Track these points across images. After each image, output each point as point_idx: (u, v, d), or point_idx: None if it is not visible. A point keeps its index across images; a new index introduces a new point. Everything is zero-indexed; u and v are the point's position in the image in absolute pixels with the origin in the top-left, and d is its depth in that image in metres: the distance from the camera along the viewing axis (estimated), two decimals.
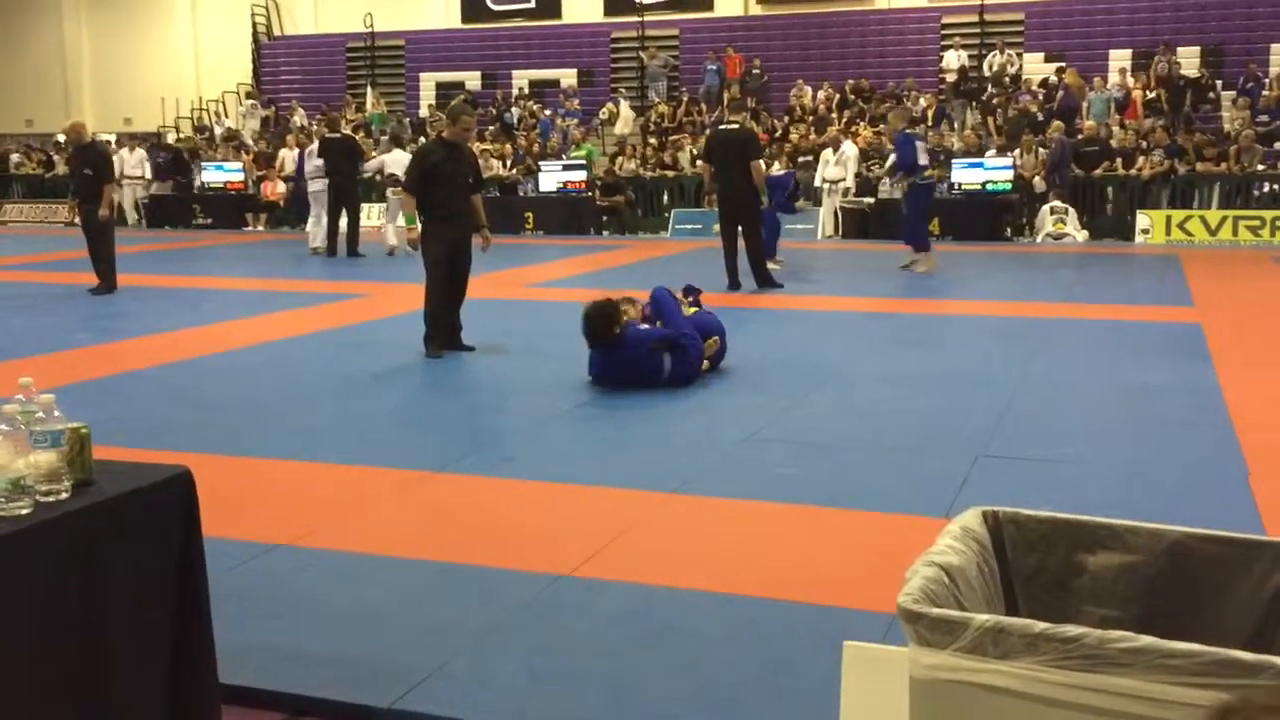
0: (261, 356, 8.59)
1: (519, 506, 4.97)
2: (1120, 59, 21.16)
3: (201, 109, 27.71)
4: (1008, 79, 21.60)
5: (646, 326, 7.40)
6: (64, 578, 2.48)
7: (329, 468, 5.55)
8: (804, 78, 22.81)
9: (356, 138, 18.97)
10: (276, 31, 28.54)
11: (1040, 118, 19.50)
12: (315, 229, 16.80)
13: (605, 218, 19.88)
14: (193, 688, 2.80)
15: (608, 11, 25.61)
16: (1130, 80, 20.32)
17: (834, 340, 9.22)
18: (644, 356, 7.13)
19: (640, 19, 24.68)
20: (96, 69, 29.67)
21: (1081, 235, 17.26)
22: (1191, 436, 5.97)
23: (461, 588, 4.04)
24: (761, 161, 12.22)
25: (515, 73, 25.64)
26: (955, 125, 20.60)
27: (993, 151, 18.39)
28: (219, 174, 22.26)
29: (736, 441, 5.91)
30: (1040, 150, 18.20)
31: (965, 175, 17.49)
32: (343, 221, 16.40)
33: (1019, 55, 22.28)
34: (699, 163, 15.47)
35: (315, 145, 17.36)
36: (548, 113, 23.57)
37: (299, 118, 24.83)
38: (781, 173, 15.96)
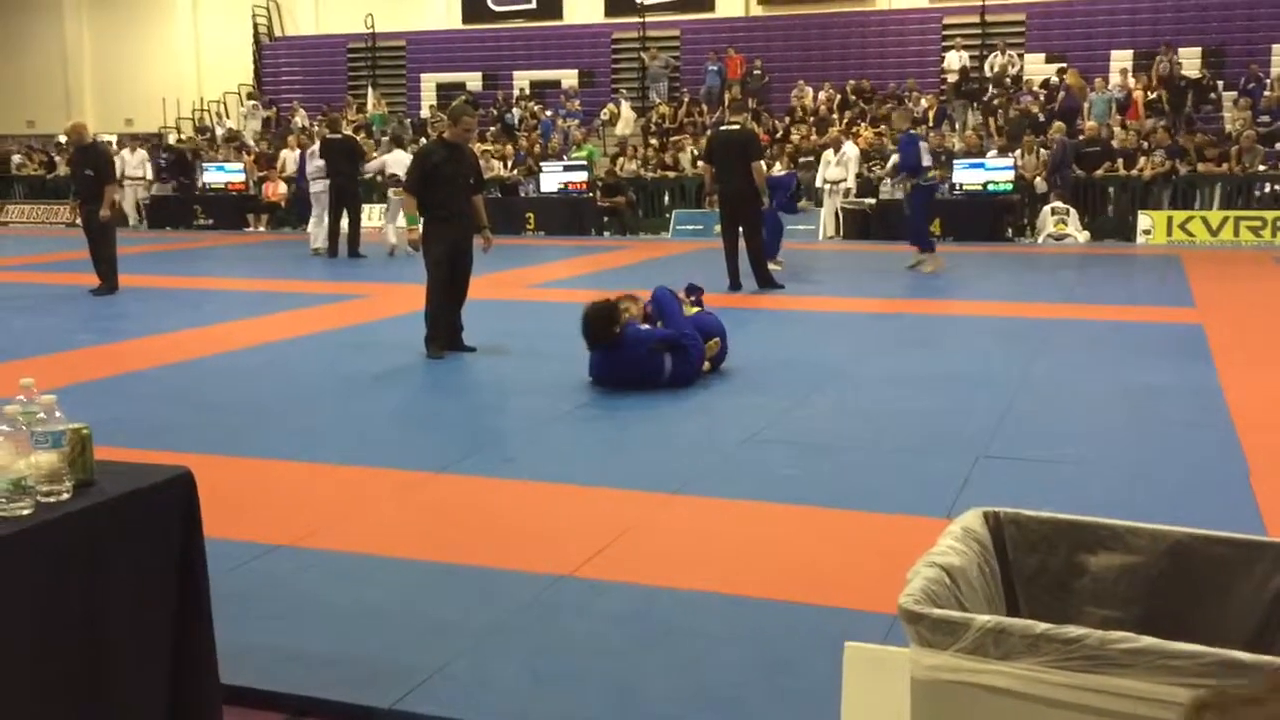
0: (262, 357, 8.59)
1: (520, 507, 4.97)
2: (1121, 59, 21.15)
3: (203, 110, 27.73)
4: (1009, 79, 21.60)
5: (647, 326, 7.39)
6: (65, 578, 2.48)
7: (330, 468, 5.55)
8: (805, 78, 22.81)
9: (357, 138, 18.97)
10: (277, 32, 28.56)
11: (1041, 118, 19.50)
12: (316, 230, 16.81)
13: (606, 218, 19.88)
14: (194, 688, 2.80)
15: (609, 12, 25.62)
16: (1131, 81, 20.32)
17: (835, 341, 9.22)
18: (644, 357, 7.12)
19: (641, 19, 24.69)
20: (98, 70, 29.68)
21: (1083, 236, 17.26)
22: (1193, 437, 5.96)
23: (463, 588, 4.04)
24: (762, 162, 12.22)
25: (516, 73, 25.64)
26: (956, 126, 20.60)
27: (994, 152, 18.38)
28: (220, 175, 22.27)
29: (737, 442, 5.91)
30: (1041, 151, 18.20)
31: (966, 176, 17.49)
32: (344, 222, 16.41)
33: (1020, 56, 22.28)
34: (700, 163, 15.48)
35: (317, 146, 17.38)
36: (549, 113, 23.58)
37: (300, 118, 24.84)
38: (783, 173, 15.96)
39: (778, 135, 20.66)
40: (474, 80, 25.66)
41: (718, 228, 12.57)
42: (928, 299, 11.65)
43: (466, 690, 3.26)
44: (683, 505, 4.93)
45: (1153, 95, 20.00)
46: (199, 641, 2.80)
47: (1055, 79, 20.86)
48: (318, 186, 16.70)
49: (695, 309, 7.81)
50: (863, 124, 20.86)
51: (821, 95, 22.30)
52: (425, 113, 24.54)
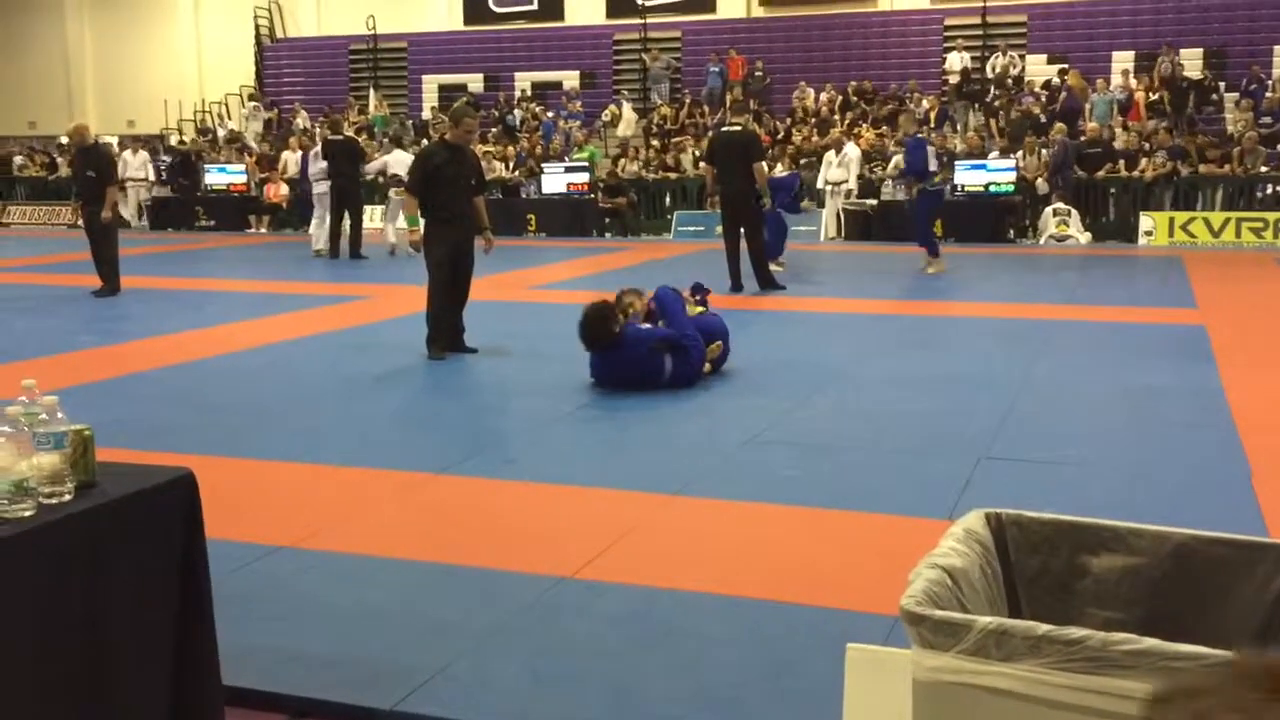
0: (264, 358, 8.60)
1: (521, 508, 4.97)
2: (1123, 60, 21.14)
3: (204, 111, 27.75)
4: (1010, 81, 21.60)
5: (648, 326, 7.37)
6: (67, 579, 2.48)
7: (331, 469, 5.56)
8: (806, 80, 22.80)
9: (358, 140, 18.98)
10: (279, 33, 28.57)
11: (1043, 119, 19.49)
12: (318, 231, 16.82)
13: (608, 220, 19.88)
14: (195, 689, 2.80)
15: (610, 13, 25.62)
16: (1133, 82, 20.31)
17: (836, 342, 9.22)
18: (644, 356, 7.11)
19: (642, 21, 24.69)
20: (99, 71, 29.70)
21: (1084, 237, 17.25)
22: (1195, 438, 5.96)
23: (464, 589, 4.04)
24: (764, 163, 12.23)
25: (518, 75, 25.65)
26: (958, 127, 20.59)
27: (995, 153, 18.38)
28: (222, 176, 22.27)
29: (739, 443, 5.91)
30: (1043, 152, 18.19)
31: (968, 177, 17.48)
32: (346, 223, 16.42)
33: (1021, 57, 22.28)
34: (701, 165, 15.48)
35: (319, 147, 17.40)
36: (550, 115, 23.57)
37: (302, 120, 24.85)
38: (785, 174, 15.96)
39: (779, 136, 20.65)
40: (475, 81, 25.67)
41: (719, 229, 12.58)
42: (929, 300, 11.65)
43: (467, 691, 3.26)
44: (684, 506, 4.93)
45: (1154, 96, 19.99)
46: (201, 642, 2.80)
47: (1057, 80, 20.86)
48: (321, 188, 16.70)
49: (699, 309, 7.80)
50: (864, 125, 20.86)
51: (823, 96, 22.30)
52: (427, 114, 24.53)
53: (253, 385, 7.70)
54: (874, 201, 18.30)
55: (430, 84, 26.18)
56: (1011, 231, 17.49)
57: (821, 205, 18.49)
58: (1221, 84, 20.43)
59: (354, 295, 12.23)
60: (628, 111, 23.40)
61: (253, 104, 26.67)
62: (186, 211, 22.14)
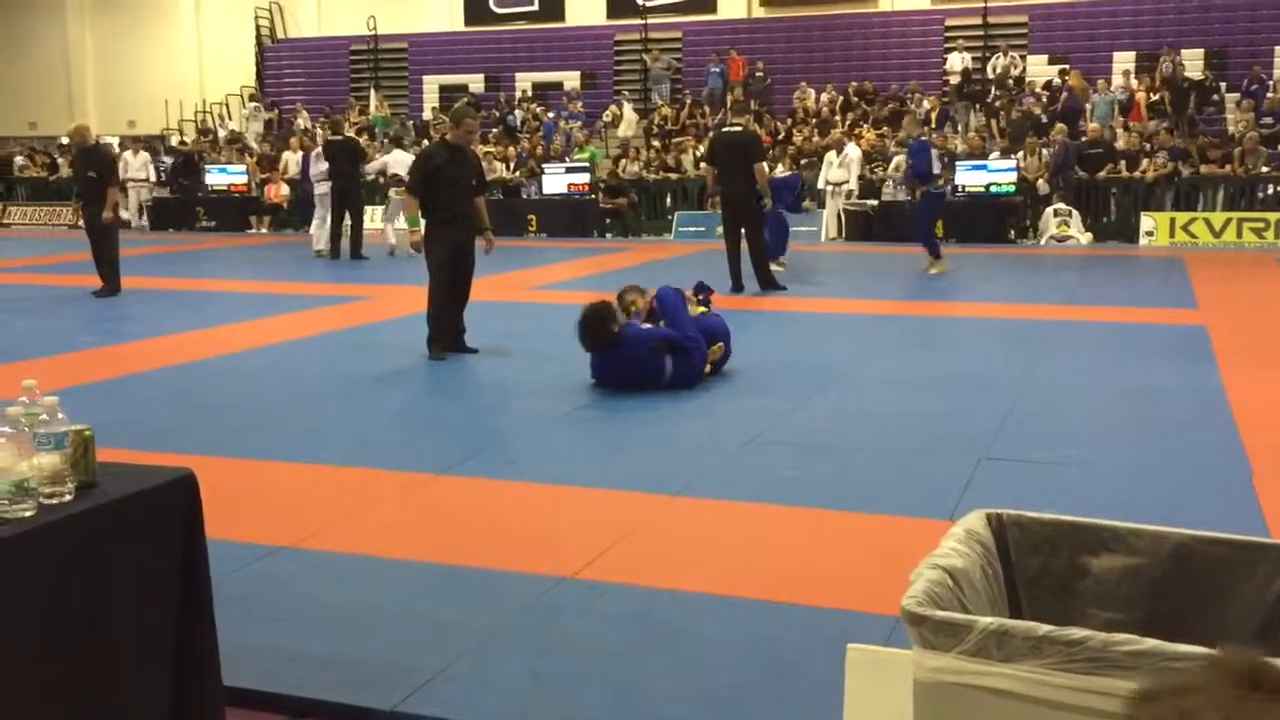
0: (265, 359, 8.60)
1: (521, 509, 4.97)
2: (1124, 61, 21.14)
3: (205, 111, 27.75)
4: (1011, 81, 21.60)
5: (648, 326, 7.35)
6: (67, 579, 2.48)
7: (332, 470, 5.56)
8: (807, 80, 22.80)
9: (359, 140, 18.98)
10: (280, 34, 28.58)
11: (1044, 120, 19.48)
12: (319, 232, 16.83)
13: (608, 220, 19.88)
14: (196, 689, 2.80)
15: (611, 14, 25.62)
16: (1134, 82, 20.30)
17: (837, 342, 9.22)
18: (645, 357, 7.10)
19: (643, 21, 24.70)
20: (100, 72, 29.71)
21: (1085, 237, 17.25)
22: (1195, 438, 5.96)
23: (464, 590, 4.04)
24: (765, 164, 12.23)
25: (518, 75, 25.65)
26: (959, 127, 20.59)
27: (996, 154, 18.37)
28: (223, 177, 22.28)
29: (739, 444, 5.90)
30: (1044, 152, 18.18)
31: (969, 177, 17.48)
32: (346, 223, 16.42)
33: (1022, 57, 22.27)
34: (702, 165, 15.47)
35: (321, 148, 17.40)
36: (551, 115, 23.57)
37: (303, 120, 24.87)
38: (788, 174, 15.95)
39: (780, 137, 20.65)
40: (476, 82, 25.67)
41: (720, 229, 12.58)
42: (930, 300, 11.65)
43: (468, 692, 3.26)
44: (684, 507, 4.93)
45: (1155, 97, 19.99)
46: (201, 643, 2.80)
47: (1058, 80, 20.86)
48: (323, 188, 16.71)
49: (702, 309, 7.78)
50: (865, 126, 20.85)
51: (824, 97, 22.30)
52: (428, 114, 24.54)
53: (253, 386, 7.70)
54: (875, 202, 18.29)
55: (431, 84, 26.18)
56: (1012, 232, 17.49)
57: (822, 206, 18.49)
58: (1222, 84, 20.42)
59: (354, 296, 12.23)
60: (628, 112, 23.40)
61: (253, 104, 26.68)
62: (187, 212, 22.15)
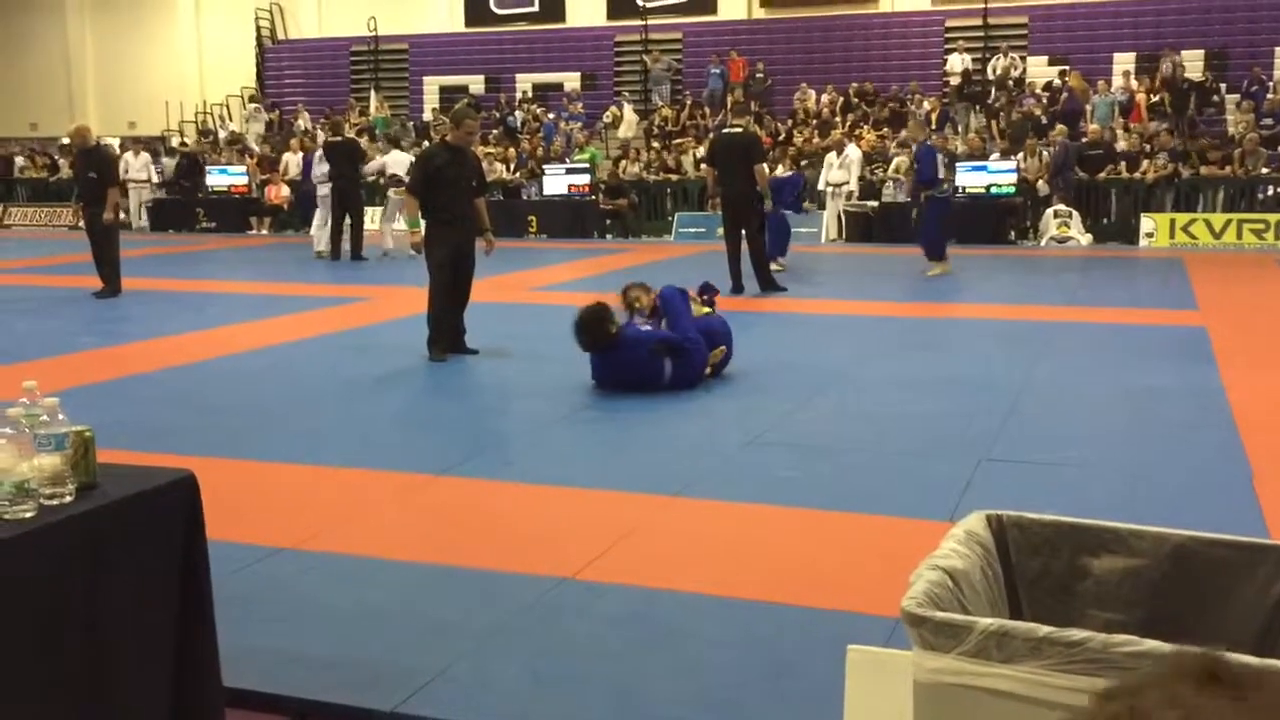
0: (265, 360, 8.60)
1: (522, 510, 4.97)
2: (1124, 62, 21.14)
3: (205, 112, 27.76)
4: (1011, 82, 21.60)
5: (648, 327, 7.33)
6: (68, 580, 2.48)
7: (332, 471, 5.56)
8: (807, 81, 22.81)
9: (359, 141, 18.99)
10: (280, 35, 28.58)
11: (1044, 121, 19.49)
12: (320, 232, 16.83)
13: (609, 221, 19.88)
14: (196, 690, 2.80)
15: (611, 15, 25.62)
16: (1134, 83, 20.30)
17: (837, 343, 9.22)
18: (644, 359, 7.10)
19: (643, 22, 24.70)
20: (100, 72, 29.71)
21: (1085, 238, 17.25)
22: (1196, 439, 5.96)
23: (464, 591, 4.04)
24: (765, 165, 12.24)
25: (519, 76, 25.66)
26: (959, 128, 20.59)
27: (996, 155, 18.38)
28: (223, 178, 22.28)
29: (739, 445, 5.91)
30: (1044, 153, 18.19)
31: (969, 178, 17.47)
32: (346, 224, 16.43)
33: (1023, 58, 22.27)
34: (702, 166, 15.48)
35: (322, 149, 17.42)
36: (551, 116, 23.58)
37: (303, 121, 24.88)
38: (789, 174, 15.95)
39: (780, 138, 20.65)
40: (476, 83, 25.68)
41: (720, 230, 12.58)
42: (930, 302, 11.66)
43: (468, 692, 3.26)
44: (684, 508, 4.93)
45: (1155, 98, 19.99)
46: (201, 644, 2.80)
47: (1058, 81, 20.86)
48: (325, 189, 16.71)
49: (706, 310, 7.76)
50: (865, 127, 20.86)
51: (824, 98, 22.30)
52: (428, 115, 24.55)
53: (254, 387, 7.70)
54: (875, 203, 18.29)
55: (431, 85, 26.19)
56: (1012, 233, 17.49)
57: (822, 207, 18.50)
58: (1222, 85, 20.42)
59: (355, 297, 12.24)
60: (629, 113, 23.41)
61: (254, 105, 26.69)
62: (187, 213, 22.16)
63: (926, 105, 20.88)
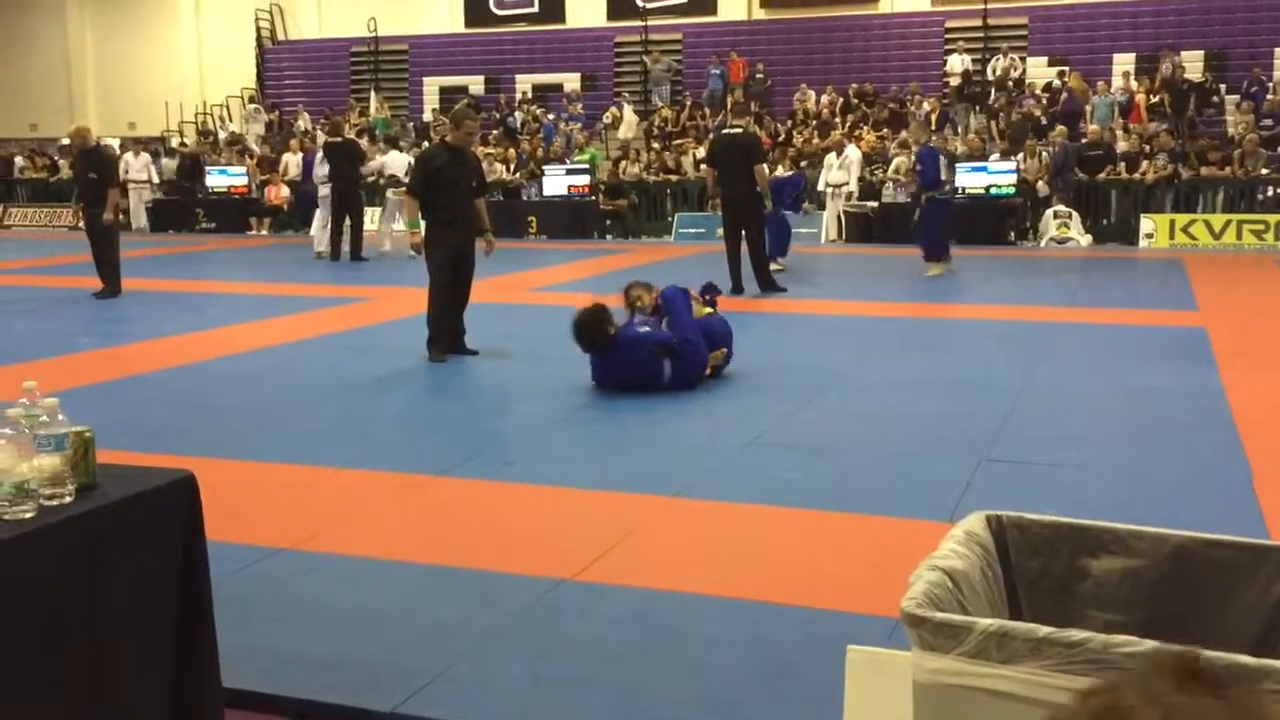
0: (265, 361, 8.60)
1: (522, 510, 4.97)
2: (1124, 63, 21.15)
3: (205, 113, 27.75)
4: (1011, 83, 21.60)
5: (647, 328, 7.31)
6: (67, 581, 2.48)
7: (332, 472, 5.56)
8: (807, 82, 22.81)
9: (358, 142, 18.99)
10: (280, 35, 28.59)
11: (1044, 121, 19.50)
12: (320, 233, 16.83)
13: (609, 222, 19.88)
14: (195, 691, 2.80)
15: (611, 15, 25.62)
16: (1134, 84, 20.31)
17: (837, 344, 9.22)
18: (643, 360, 7.09)
19: (643, 23, 24.70)
20: (100, 73, 29.72)
21: (1085, 239, 17.25)
22: (1195, 440, 5.96)
23: (464, 592, 4.04)
24: (765, 165, 12.24)
25: (519, 77, 25.66)
26: (959, 129, 20.60)
27: (996, 155, 18.38)
28: (223, 178, 22.28)
29: (739, 445, 5.91)
30: (1044, 154, 18.19)
31: (969, 179, 17.47)
32: (346, 224, 16.43)
33: (1022, 59, 22.28)
34: (702, 167, 15.48)
35: (322, 150, 17.43)
36: (551, 117, 23.58)
37: (303, 122, 24.88)
38: (789, 174, 15.95)
39: (780, 138, 20.65)
40: (476, 84, 25.68)
41: (720, 231, 12.58)
42: (930, 302, 11.66)
43: (468, 694, 3.26)
44: (684, 508, 4.93)
45: (1155, 98, 20.00)
46: (201, 644, 2.80)
47: (1057, 82, 20.86)
48: (326, 190, 16.71)
49: (708, 310, 7.76)
50: (865, 127, 20.86)
51: (824, 98, 22.30)
52: (428, 116, 24.55)
53: (253, 387, 7.70)
54: (875, 204, 18.29)
55: (431, 86, 26.19)
56: (1012, 234, 17.49)
57: (822, 208, 18.50)
58: (1222, 86, 20.43)
59: (355, 297, 12.24)
60: (628, 113, 23.41)
61: (254, 106, 26.69)
62: (187, 214, 22.16)
63: (926, 106, 20.88)
